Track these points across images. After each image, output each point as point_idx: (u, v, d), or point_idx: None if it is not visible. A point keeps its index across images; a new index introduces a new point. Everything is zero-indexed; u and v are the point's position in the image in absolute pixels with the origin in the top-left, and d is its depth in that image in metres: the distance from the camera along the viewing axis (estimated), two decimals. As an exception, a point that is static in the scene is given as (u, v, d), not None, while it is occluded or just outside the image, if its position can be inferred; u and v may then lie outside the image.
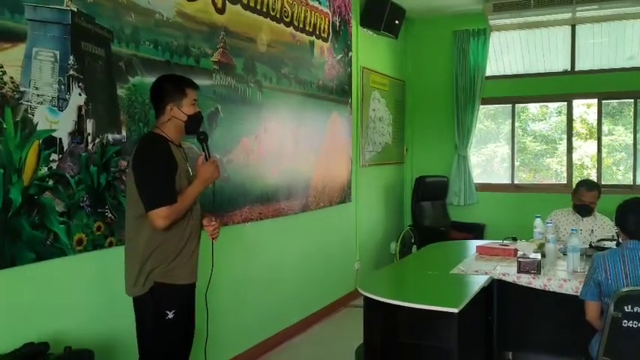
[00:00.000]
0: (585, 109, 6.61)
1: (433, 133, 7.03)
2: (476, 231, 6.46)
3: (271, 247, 4.30)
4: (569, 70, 6.46)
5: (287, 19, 4.41)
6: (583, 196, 4.00)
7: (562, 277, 3.02)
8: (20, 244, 2.37)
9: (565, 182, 6.51)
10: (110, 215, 2.80)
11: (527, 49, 6.64)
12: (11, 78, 2.33)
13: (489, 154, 7.14)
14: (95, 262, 2.75)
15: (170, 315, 2.44)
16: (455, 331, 2.54)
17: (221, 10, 3.65)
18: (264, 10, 4.11)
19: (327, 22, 5.03)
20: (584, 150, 6.64)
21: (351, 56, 5.53)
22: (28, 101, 2.40)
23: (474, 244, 4.03)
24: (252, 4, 3.96)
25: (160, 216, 2.33)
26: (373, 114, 6.15)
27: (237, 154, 3.81)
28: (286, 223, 4.46)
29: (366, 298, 2.85)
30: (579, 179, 4.88)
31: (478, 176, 6.97)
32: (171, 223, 2.38)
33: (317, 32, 4.87)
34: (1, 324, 2.34)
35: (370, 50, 6.05)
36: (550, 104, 6.79)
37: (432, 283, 3.16)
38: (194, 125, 2.56)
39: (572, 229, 3.24)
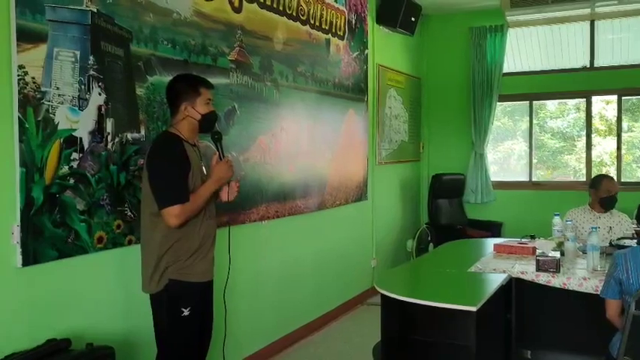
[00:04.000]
0: (604, 105, 6.53)
1: (450, 130, 6.99)
2: (493, 229, 6.41)
3: (288, 246, 4.31)
4: (588, 66, 6.38)
5: (303, 18, 4.42)
6: (611, 187, 3.96)
7: (582, 276, 2.99)
8: (42, 242, 2.40)
9: (584, 179, 6.42)
10: (129, 213, 2.83)
11: (545, 45, 6.57)
12: (33, 78, 2.36)
13: (506, 152, 7.08)
14: (115, 260, 2.79)
15: (186, 312, 2.47)
16: (473, 329, 2.53)
17: (238, 9, 3.66)
18: (281, 8, 4.11)
19: (343, 20, 5.02)
20: (603, 147, 6.55)
21: (367, 54, 5.52)
22: (49, 101, 2.44)
23: (491, 242, 4.01)
24: (268, 2, 3.97)
25: (173, 214, 2.36)
26: (389, 111, 6.13)
27: (254, 153, 3.83)
28: (303, 221, 4.47)
29: (383, 296, 2.84)
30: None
31: (495, 174, 6.91)
32: (184, 221, 2.40)
33: (333, 30, 4.86)
34: (25, 320, 2.38)
35: (386, 48, 6.03)
36: (568, 101, 6.71)
37: (450, 281, 3.15)
38: (208, 124, 2.59)
39: (592, 227, 3.20)
